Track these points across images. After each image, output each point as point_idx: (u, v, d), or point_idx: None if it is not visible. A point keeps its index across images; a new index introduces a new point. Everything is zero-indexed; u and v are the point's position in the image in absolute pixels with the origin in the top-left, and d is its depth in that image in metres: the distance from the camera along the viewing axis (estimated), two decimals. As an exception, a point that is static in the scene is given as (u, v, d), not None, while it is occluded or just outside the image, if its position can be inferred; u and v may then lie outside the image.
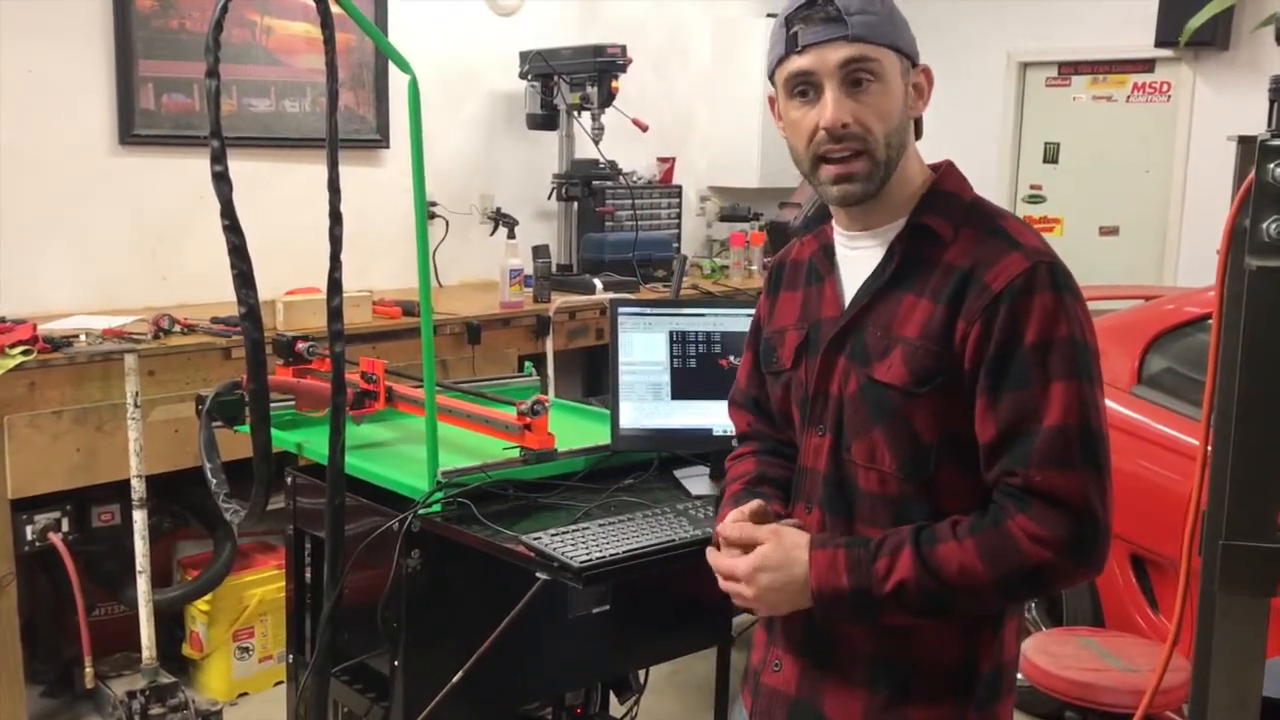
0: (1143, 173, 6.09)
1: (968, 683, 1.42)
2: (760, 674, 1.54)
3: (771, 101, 1.48)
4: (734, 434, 1.69)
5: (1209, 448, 1.16)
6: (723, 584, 1.43)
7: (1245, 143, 1.11)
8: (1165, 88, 5.98)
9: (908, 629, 1.39)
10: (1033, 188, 6.48)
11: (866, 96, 1.36)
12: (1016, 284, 1.33)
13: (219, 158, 1.65)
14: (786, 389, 1.52)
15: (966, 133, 6.51)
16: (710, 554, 1.45)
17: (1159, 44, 5.66)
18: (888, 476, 1.40)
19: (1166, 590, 3.04)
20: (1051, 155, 6.40)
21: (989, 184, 6.45)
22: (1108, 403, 3.34)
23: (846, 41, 1.35)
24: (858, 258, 1.46)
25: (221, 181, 1.65)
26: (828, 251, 1.50)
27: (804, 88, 1.38)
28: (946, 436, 1.37)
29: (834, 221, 1.51)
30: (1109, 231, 6.24)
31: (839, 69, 1.35)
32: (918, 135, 1.45)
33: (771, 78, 1.45)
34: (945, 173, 1.48)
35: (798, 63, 1.37)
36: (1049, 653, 2.67)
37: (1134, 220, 6.15)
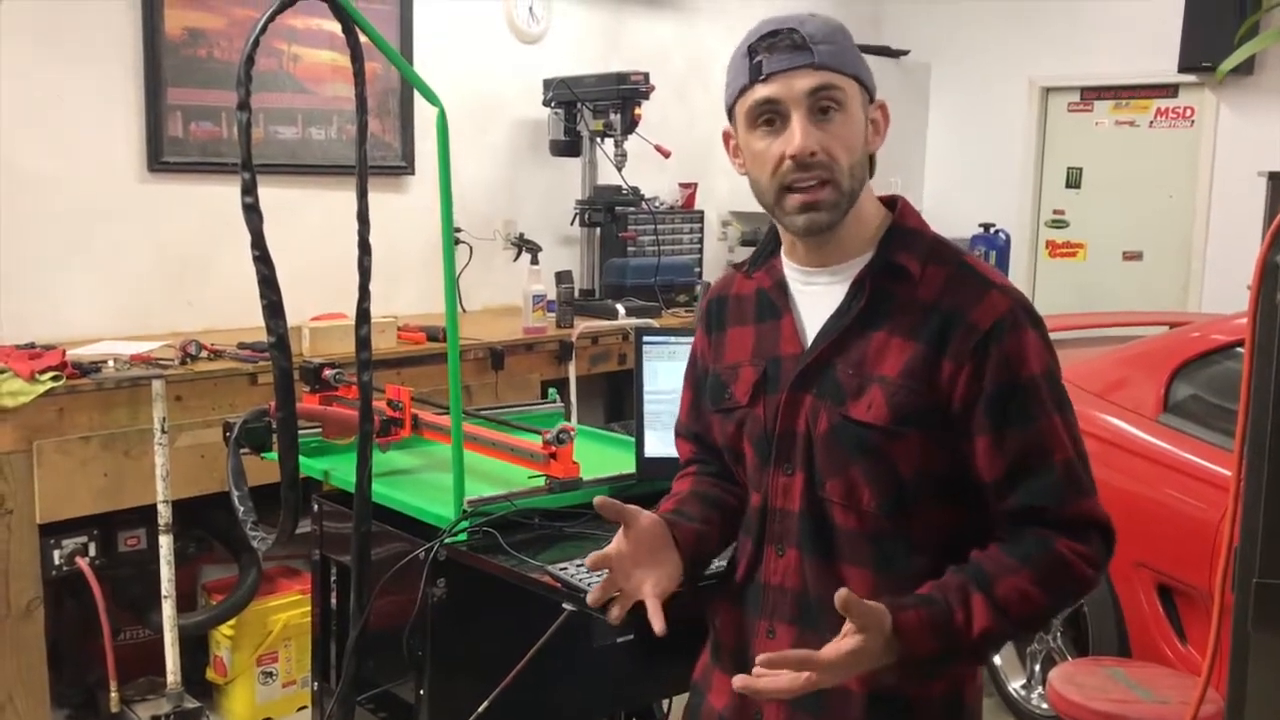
0: (1166, 198, 6.07)
1: (955, 714, 1.45)
2: None
3: (726, 138, 1.47)
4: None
5: (1241, 484, 1.15)
6: (781, 689, 1.27)
7: (1276, 178, 1.11)
8: (1189, 113, 5.97)
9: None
10: (1055, 213, 6.47)
11: (832, 126, 1.36)
12: (1004, 323, 1.35)
13: (250, 189, 1.66)
14: (739, 426, 1.50)
15: (989, 158, 6.53)
16: (766, 685, 1.27)
17: (1182, 69, 5.66)
18: (866, 514, 1.39)
19: (1194, 620, 3.01)
20: (1074, 180, 6.39)
21: (1011, 209, 6.45)
22: (1134, 430, 3.32)
23: (813, 69, 1.35)
24: (816, 294, 1.46)
25: (252, 213, 1.66)
26: (781, 287, 1.49)
27: (769, 116, 1.37)
28: (925, 473, 1.38)
29: (785, 257, 1.49)
30: (1132, 257, 6.22)
31: (806, 97, 1.35)
32: (870, 173, 1.44)
33: (730, 110, 1.44)
34: (904, 209, 1.48)
35: (763, 91, 1.37)
36: (1076, 683, 2.65)
37: (1158, 246, 6.13)
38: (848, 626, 1.26)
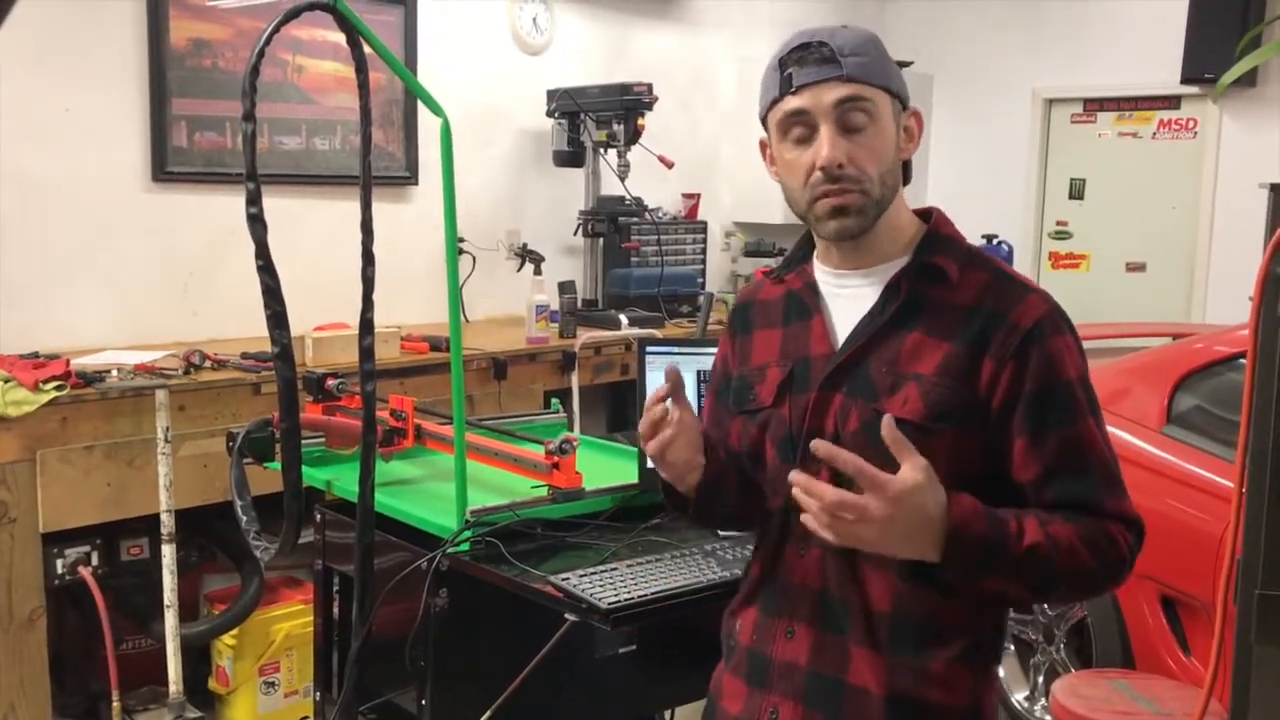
0: (1170, 209, 6.08)
1: None
2: None
3: (763, 146, 1.51)
4: None
5: (1243, 495, 1.15)
6: (820, 513, 1.26)
7: (1277, 190, 1.11)
8: (1191, 124, 5.98)
9: (922, 671, 1.39)
10: (1059, 224, 6.48)
11: (861, 137, 1.39)
12: (1045, 325, 1.38)
13: (254, 199, 1.67)
14: (763, 428, 1.51)
15: (992, 169, 6.54)
16: (814, 483, 1.26)
17: (1185, 81, 5.66)
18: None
19: (1198, 632, 3.01)
20: (1077, 191, 6.40)
21: (1014, 220, 6.45)
22: (1137, 442, 3.32)
23: (841, 82, 1.38)
24: (848, 296, 1.48)
25: (257, 223, 1.67)
26: (812, 289, 1.51)
27: (799, 128, 1.41)
28: (955, 474, 1.37)
29: (817, 261, 1.52)
30: (1136, 268, 6.23)
31: (834, 108, 1.38)
32: (906, 180, 1.47)
33: (764, 120, 1.47)
34: (939, 218, 1.50)
35: (793, 103, 1.40)
36: (1079, 695, 2.64)
37: (1161, 257, 6.13)
38: (905, 468, 1.26)
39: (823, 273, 1.51)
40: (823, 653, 1.43)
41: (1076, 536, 1.33)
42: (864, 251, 1.45)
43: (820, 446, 1.27)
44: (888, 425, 1.26)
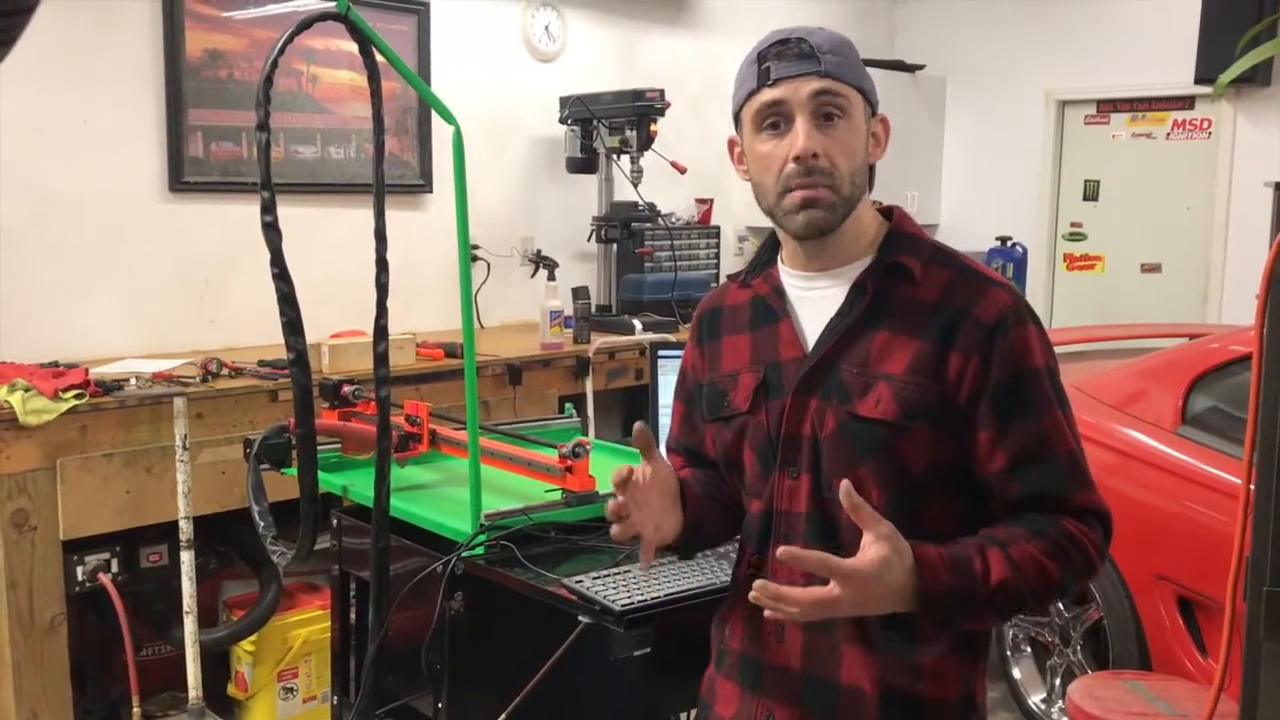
0: (1184, 210, 6.05)
1: (968, 712, 1.46)
2: None
3: (732, 145, 1.52)
4: None
5: (1251, 491, 1.15)
6: (796, 616, 1.28)
7: (1282, 189, 1.11)
8: (1206, 124, 5.95)
9: (913, 666, 1.40)
10: (1073, 225, 6.46)
11: (835, 132, 1.40)
12: (1008, 318, 1.39)
13: (269, 208, 1.69)
14: (739, 434, 1.51)
15: (1006, 171, 6.53)
16: (783, 595, 1.26)
17: (1199, 81, 5.64)
18: (876, 512, 1.40)
19: (1214, 633, 2.99)
20: (1091, 193, 6.38)
21: (1028, 222, 6.44)
22: (1152, 443, 3.30)
23: (819, 76, 1.40)
24: (815, 298, 1.48)
25: (272, 231, 1.68)
26: (779, 293, 1.51)
27: (774, 119, 1.42)
28: (933, 468, 1.40)
29: (783, 264, 1.53)
30: (1151, 269, 6.20)
31: (810, 100, 1.39)
32: (870, 185, 1.49)
33: (737, 115, 1.48)
34: (901, 217, 1.52)
35: (769, 94, 1.41)
36: (1095, 696, 2.64)
37: (1176, 257, 6.11)
38: (867, 538, 1.27)
39: (789, 275, 1.52)
40: (814, 654, 1.44)
41: (1041, 551, 1.34)
42: (829, 252, 1.47)
43: (785, 553, 1.28)
44: (845, 491, 1.26)
